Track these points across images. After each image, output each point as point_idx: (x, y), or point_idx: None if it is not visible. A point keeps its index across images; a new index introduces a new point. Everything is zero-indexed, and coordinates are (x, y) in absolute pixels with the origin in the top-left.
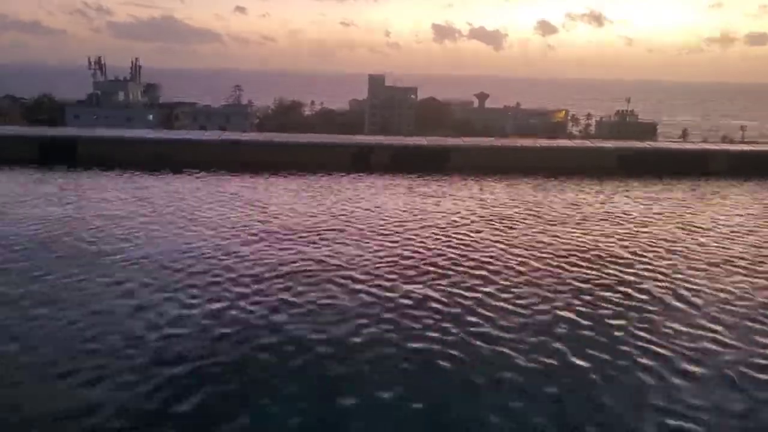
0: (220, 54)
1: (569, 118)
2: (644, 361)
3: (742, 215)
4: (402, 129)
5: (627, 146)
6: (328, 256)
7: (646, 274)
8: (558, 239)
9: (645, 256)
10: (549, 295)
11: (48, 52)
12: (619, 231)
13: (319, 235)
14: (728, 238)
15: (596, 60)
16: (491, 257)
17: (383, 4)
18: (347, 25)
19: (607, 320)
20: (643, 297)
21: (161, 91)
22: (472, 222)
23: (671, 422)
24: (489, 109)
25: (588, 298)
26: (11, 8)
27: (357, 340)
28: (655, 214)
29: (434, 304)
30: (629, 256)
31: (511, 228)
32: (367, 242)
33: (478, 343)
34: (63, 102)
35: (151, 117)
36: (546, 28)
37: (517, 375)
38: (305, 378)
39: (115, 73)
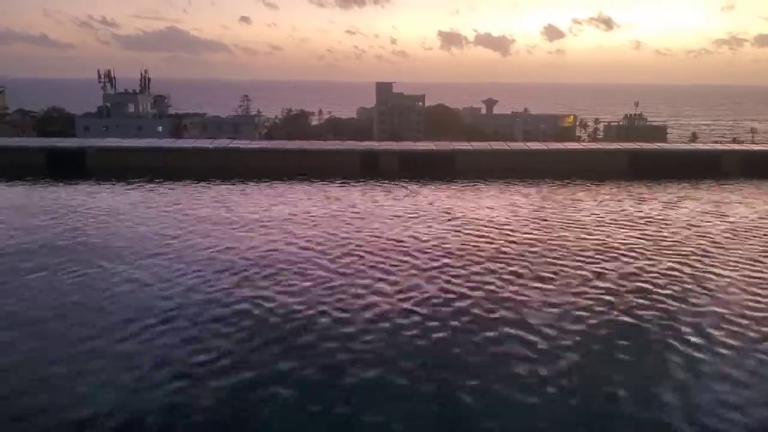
0: (227, 63)
1: (577, 123)
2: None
3: None
4: (411, 135)
5: (638, 147)
6: None
7: None
8: None
9: None
10: None
11: (57, 64)
12: None
13: None
14: None
15: (604, 64)
16: None
17: (390, 12)
18: (353, 33)
19: None
20: None
21: (170, 102)
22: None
23: None
24: (497, 115)
25: None
26: (18, 21)
27: None
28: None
29: None
30: None
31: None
32: None
33: None
34: (73, 114)
35: (160, 128)
36: (553, 33)
37: None
38: None
39: (124, 85)
